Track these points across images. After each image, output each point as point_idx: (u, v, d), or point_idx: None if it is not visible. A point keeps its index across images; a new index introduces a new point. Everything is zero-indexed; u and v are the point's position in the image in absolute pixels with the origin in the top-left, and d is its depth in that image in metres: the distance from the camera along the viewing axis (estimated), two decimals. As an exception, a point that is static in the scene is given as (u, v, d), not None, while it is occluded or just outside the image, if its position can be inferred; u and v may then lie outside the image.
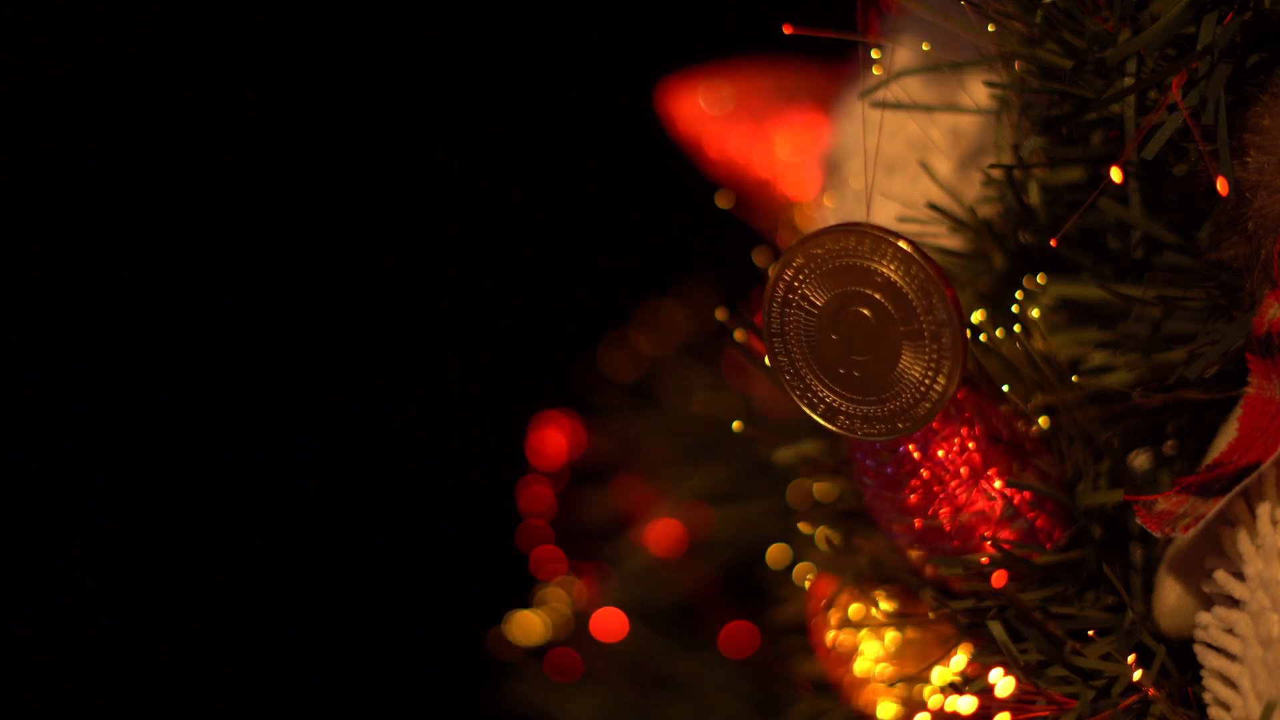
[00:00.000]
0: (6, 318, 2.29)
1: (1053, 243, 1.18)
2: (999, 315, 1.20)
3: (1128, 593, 1.17)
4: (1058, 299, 1.22)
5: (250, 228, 2.33)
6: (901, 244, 1.08)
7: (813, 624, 1.33)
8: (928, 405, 1.10)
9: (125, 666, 2.30)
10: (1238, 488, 1.06)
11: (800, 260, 1.10)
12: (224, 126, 2.32)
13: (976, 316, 1.19)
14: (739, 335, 1.27)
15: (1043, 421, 1.18)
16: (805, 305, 1.11)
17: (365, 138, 2.34)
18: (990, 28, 1.13)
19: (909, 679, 1.24)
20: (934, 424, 1.15)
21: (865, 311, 1.10)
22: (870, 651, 1.29)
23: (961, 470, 1.16)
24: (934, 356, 1.09)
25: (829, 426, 1.12)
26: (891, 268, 1.09)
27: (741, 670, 1.70)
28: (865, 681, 1.29)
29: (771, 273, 1.11)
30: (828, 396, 1.12)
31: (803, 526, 1.28)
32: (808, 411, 1.13)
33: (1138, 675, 1.12)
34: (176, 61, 2.30)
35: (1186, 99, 1.08)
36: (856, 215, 1.11)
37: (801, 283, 1.11)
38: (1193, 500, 1.08)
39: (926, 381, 1.10)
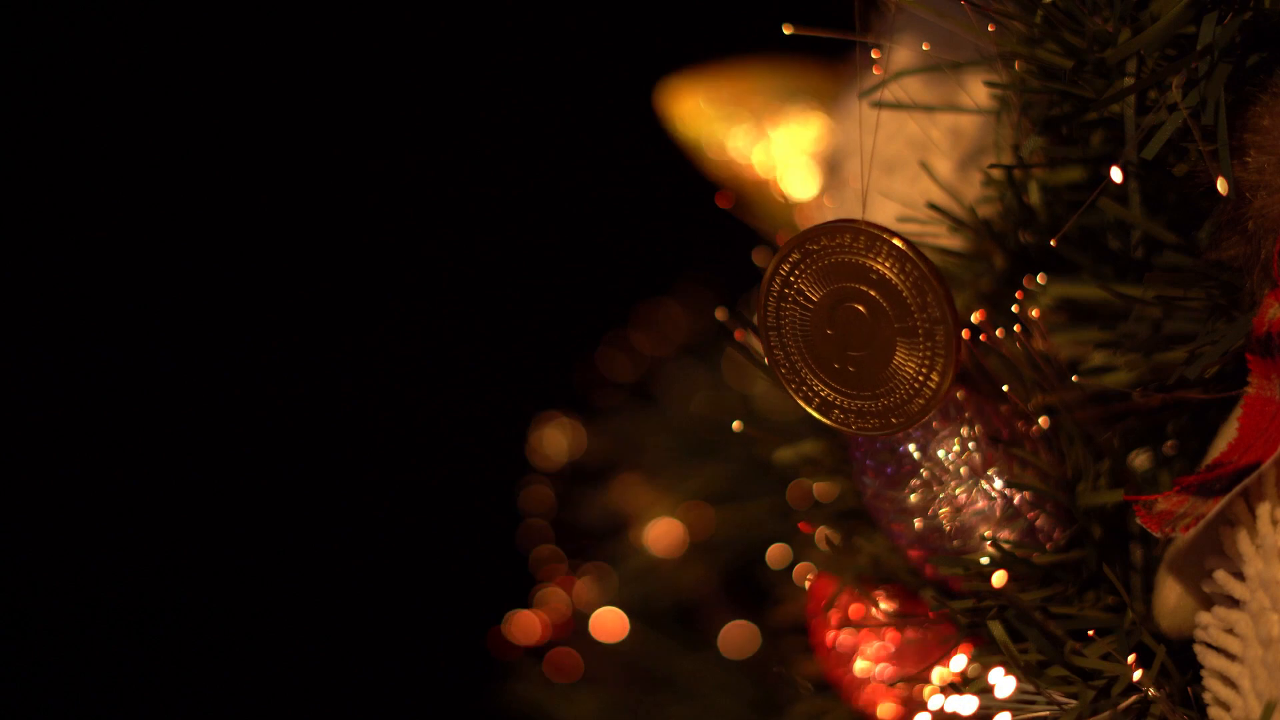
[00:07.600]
0: (6, 317, 2.29)
1: (1053, 243, 1.18)
2: (999, 315, 1.20)
3: (1128, 593, 1.17)
4: (1058, 299, 1.22)
5: (251, 228, 2.33)
6: (896, 241, 1.08)
7: (813, 624, 1.33)
8: (921, 401, 1.10)
9: (127, 667, 2.30)
10: (1238, 488, 1.06)
11: (796, 255, 1.11)
12: (223, 126, 2.31)
13: (976, 316, 1.19)
14: (738, 334, 1.27)
15: (1043, 421, 1.18)
16: (801, 300, 1.11)
17: (367, 138, 2.34)
18: (990, 28, 1.13)
19: (909, 679, 1.24)
20: (934, 424, 1.15)
21: (860, 308, 1.10)
22: (870, 651, 1.29)
23: (961, 470, 1.16)
24: (928, 354, 1.09)
25: (824, 420, 1.13)
26: (886, 265, 1.09)
27: (741, 670, 1.70)
28: (865, 681, 1.29)
29: (768, 267, 1.11)
30: (823, 391, 1.12)
31: (802, 526, 1.28)
32: (803, 405, 1.13)
33: (1138, 675, 1.12)
34: (175, 61, 2.30)
35: (1186, 99, 1.08)
36: (854, 214, 1.11)
37: (797, 278, 1.11)
38: (1193, 500, 1.08)
39: (920, 378, 1.10)
